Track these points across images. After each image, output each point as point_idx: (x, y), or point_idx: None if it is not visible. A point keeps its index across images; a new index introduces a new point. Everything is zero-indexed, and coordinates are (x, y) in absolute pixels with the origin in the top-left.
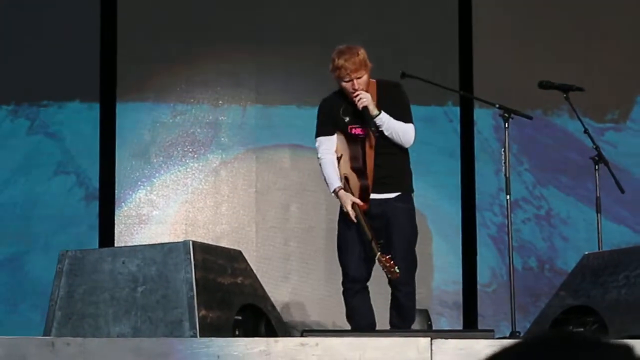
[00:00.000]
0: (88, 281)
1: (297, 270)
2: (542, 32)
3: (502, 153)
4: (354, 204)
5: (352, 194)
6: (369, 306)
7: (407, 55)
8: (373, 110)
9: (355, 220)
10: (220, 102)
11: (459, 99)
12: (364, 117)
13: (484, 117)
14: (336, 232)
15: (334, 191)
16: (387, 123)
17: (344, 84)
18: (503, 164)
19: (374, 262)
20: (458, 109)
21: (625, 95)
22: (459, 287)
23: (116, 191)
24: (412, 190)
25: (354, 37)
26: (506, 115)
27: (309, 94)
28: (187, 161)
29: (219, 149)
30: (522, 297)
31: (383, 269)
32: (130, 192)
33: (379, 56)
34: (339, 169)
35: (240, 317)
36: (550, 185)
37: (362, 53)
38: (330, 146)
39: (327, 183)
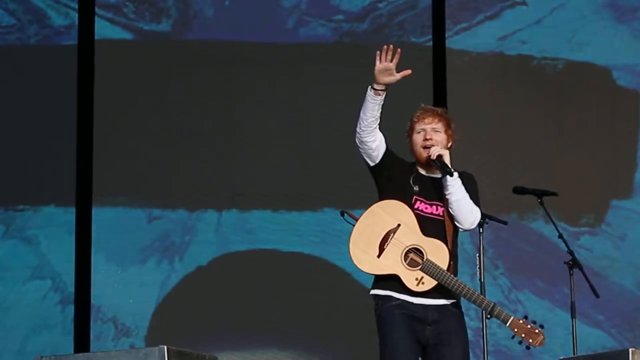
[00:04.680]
0: None
1: None
2: (516, 136)
3: (477, 257)
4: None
5: (433, 267)
6: None
7: None
8: (449, 163)
9: (386, 59)
10: (196, 207)
11: None
12: (436, 192)
13: None
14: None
15: (371, 86)
16: (460, 187)
17: (415, 135)
18: (478, 269)
19: None
20: None
21: (600, 200)
22: None
23: (92, 295)
24: None
25: (328, 146)
26: (481, 220)
27: (284, 200)
28: (163, 266)
29: (195, 253)
30: None
31: (520, 337)
32: (106, 297)
33: (355, 163)
34: (385, 253)
35: None
36: (525, 289)
37: (448, 114)
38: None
39: (362, 109)
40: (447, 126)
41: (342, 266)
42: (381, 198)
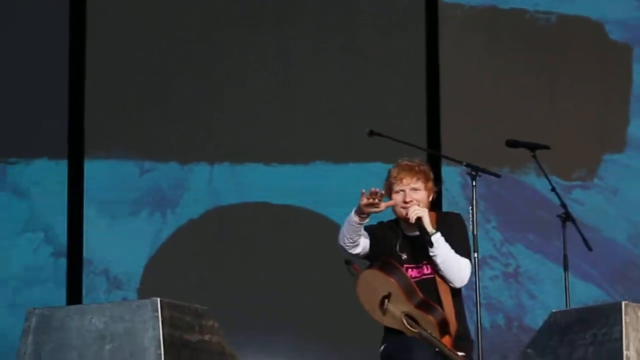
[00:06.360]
0: (55, 339)
1: (267, 325)
2: (509, 90)
3: (470, 211)
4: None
5: (428, 336)
6: None
7: (375, 115)
8: (428, 225)
9: (371, 199)
10: (188, 159)
11: (426, 157)
12: (423, 250)
13: (451, 175)
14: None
15: (356, 212)
16: (442, 248)
17: (394, 195)
18: (471, 222)
19: None
20: None
21: (592, 154)
22: None
23: (84, 248)
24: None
25: (320, 99)
26: (474, 173)
27: (275, 152)
28: (155, 218)
29: (187, 206)
30: (489, 355)
31: None
32: (98, 249)
33: (346, 116)
34: (387, 312)
35: None
36: (517, 243)
37: (425, 167)
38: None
39: (346, 228)
40: (426, 181)
41: (332, 218)
42: None
